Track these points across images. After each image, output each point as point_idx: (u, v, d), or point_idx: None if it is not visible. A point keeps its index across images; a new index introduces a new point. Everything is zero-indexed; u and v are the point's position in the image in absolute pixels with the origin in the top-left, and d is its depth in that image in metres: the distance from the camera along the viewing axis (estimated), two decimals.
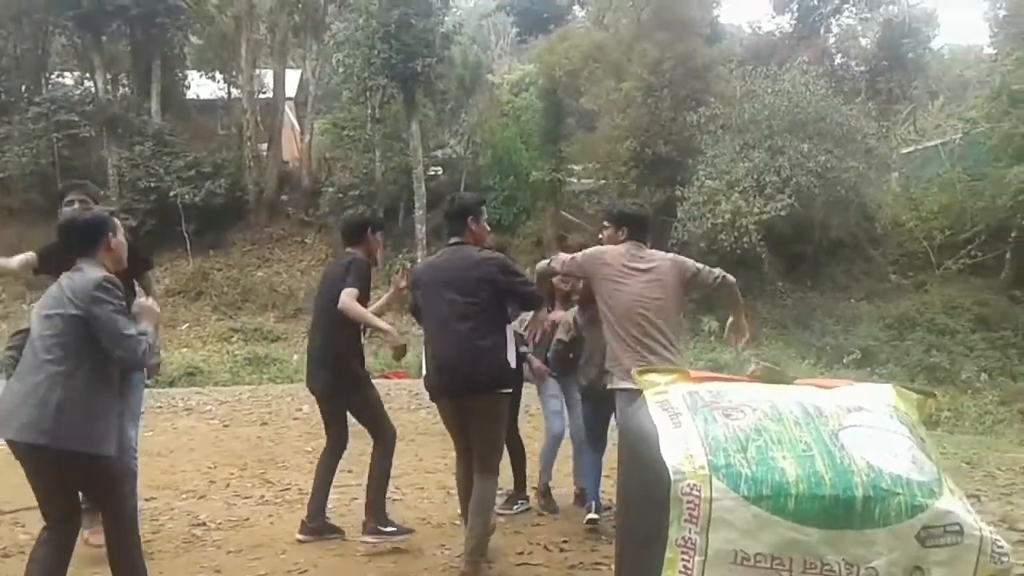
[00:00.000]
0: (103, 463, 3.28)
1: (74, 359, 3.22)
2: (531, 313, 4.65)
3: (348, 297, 4.56)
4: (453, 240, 4.43)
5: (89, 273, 3.36)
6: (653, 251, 4.63)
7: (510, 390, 4.42)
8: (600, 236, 4.84)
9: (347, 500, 5.74)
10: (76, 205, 4.50)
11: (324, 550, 4.80)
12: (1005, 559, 2.48)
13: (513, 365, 4.34)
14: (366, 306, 4.78)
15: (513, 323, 4.55)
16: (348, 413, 5.04)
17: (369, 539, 4.81)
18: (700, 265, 4.64)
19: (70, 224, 3.60)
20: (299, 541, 4.90)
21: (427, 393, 4.57)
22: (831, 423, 2.69)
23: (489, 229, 4.65)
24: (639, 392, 4.07)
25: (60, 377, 3.18)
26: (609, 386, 4.43)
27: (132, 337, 3.26)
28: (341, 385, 4.91)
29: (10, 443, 3.21)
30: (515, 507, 5.63)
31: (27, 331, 3.66)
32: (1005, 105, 20.58)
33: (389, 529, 4.85)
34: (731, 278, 4.66)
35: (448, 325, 4.22)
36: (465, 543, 4.26)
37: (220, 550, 4.82)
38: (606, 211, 4.86)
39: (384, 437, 4.95)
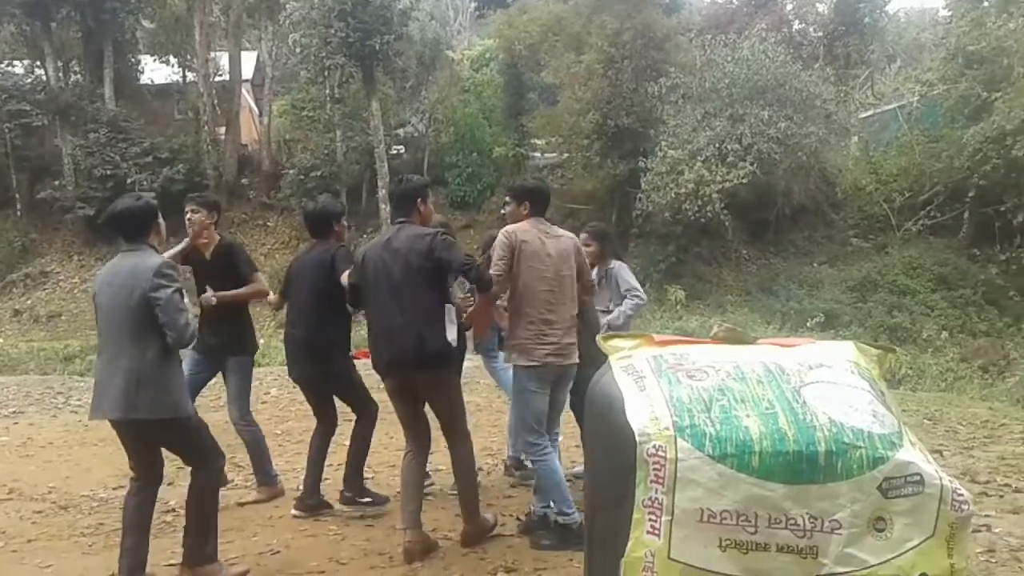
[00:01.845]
0: (181, 423, 3.75)
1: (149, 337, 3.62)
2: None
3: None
4: (399, 220, 4.43)
5: (149, 258, 3.69)
6: (552, 226, 4.59)
7: (456, 366, 4.50)
8: (502, 211, 4.83)
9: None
10: (191, 216, 5.22)
11: (295, 530, 4.79)
12: (965, 507, 2.53)
13: (454, 343, 4.34)
14: None
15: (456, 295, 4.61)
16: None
17: (345, 508, 4.94)
18: (585, 260, 4.72)
19: (121, 211, 3.79)
20: (293, 516, 4.97)
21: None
22: (793, 380, 2.71)
23: (433, 210, 4.71)
24: (534, 368, 4.27)
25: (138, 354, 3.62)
26: (511, 363, 4.47)
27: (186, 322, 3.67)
28: (331, 373, 4.97)
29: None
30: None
31: None
32: (960, 67, 20.81)
33: (365, 499, 4.99)
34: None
35: (390, 303, 4.24)
36: (461, 508, 4.44)
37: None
38: (507, 187, 4.88)
39: (368, 412, 5.07)
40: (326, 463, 5.22)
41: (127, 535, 3.85)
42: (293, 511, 5.02)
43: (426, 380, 4.30)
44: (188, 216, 5.24)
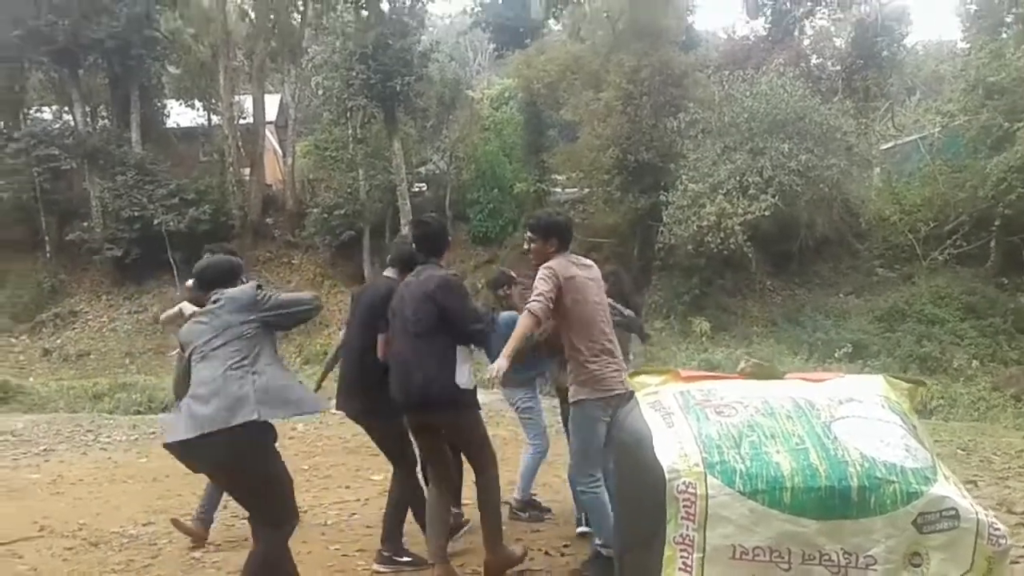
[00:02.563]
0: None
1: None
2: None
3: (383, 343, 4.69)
4: (424, 262, 4.54)
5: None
6: (580, 257, 4.63)
7: (469, 407, 4.45)
8: (526, 248, 4.72)
9: (346, 516, 5.73)
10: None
11: (324, 567, 4.80)
12: (1003, 541, 2.50)
13: (467, 385, 4.34)
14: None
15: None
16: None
17: (382, 569, 4.75)
18: None
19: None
20: (376, 572, 4.78)
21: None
22: (823, 415, 2.71)
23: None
24: (610, 398, 4.19)
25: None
26: (583, 397, 4.37)
27: None
28: (381, 406, 4.77)
29: None
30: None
31: None
32: (981, 97, 20.75)
33: (404, 559, 4.78)
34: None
35: (403, 343, 4.34)
36: (484, 540, 4.44)
37: (220, 571, 4.81)
38: (531, 223, 4.70)
39: (405, 463, 4.90)
40: (355, 499, 5.22)
41: None
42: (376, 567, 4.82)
43: (437, 420, 4.36)
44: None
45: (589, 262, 4.62)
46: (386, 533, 4.80)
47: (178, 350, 4.13)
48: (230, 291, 3.93)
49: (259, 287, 3.97)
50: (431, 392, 4.21)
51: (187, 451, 3.61)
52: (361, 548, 5.06)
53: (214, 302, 3.90)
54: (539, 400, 5.81)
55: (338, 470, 7.67)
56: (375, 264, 24.92)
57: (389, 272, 5.05)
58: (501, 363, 3.99)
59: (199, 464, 3.76)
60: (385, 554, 4.77)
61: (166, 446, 3.68)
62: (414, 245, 4.70)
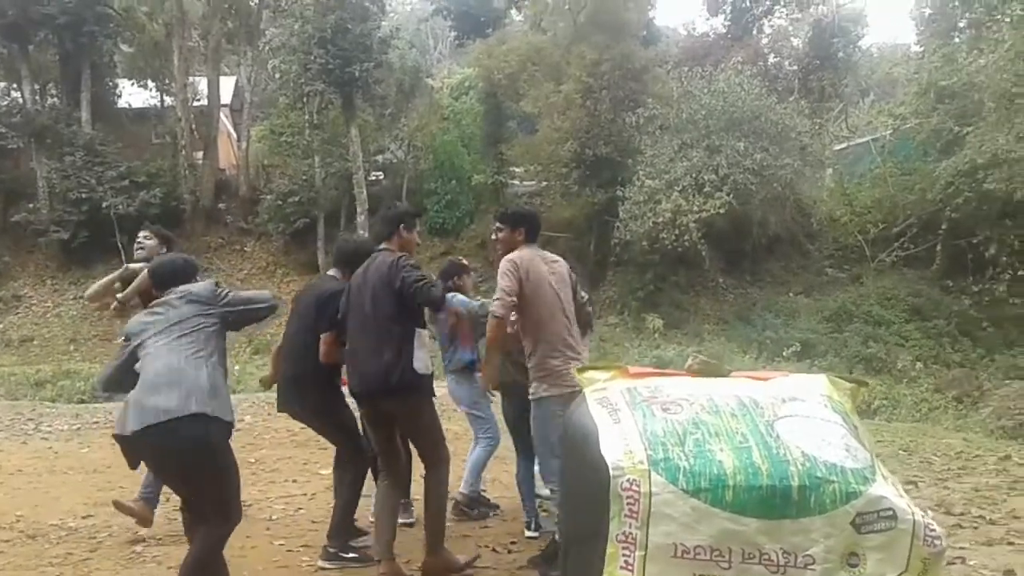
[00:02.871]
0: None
1: None
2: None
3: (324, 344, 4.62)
4: (378, 247, 4.45)
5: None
6: (547, 252, 4.61)
7: (426, 394, 4.38)
8: (493, 238, 4.76)
9: (292, 511, 5.65)
10: (141, 240, 5.33)
11: (268, 561, 4.72)
12: (938, 542, 2.53)
13: (426, 370, 4.29)
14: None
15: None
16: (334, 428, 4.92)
17: (327, 565, 4.67)
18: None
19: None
20: (321, 568, 4.69)
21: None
22: (767, 414, 2.72)
23: (419, 241, 4.69)
24: (568, 395, 4.08)
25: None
26: (543, 394, 4.34)
27: None
28: (328, 404, 4.81)
29: None
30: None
31: None
32: (933, 101, 21.16)
33: (350, 555, 4.72)
34: (591, 308, 4.85)
35: (360, 331, 4.26)
36: (425, 535, 4.35)
37: (161, 566, 4.71)
38: (500, 213, 4.74)
39: (361, 459, 4.84)
40: (302, 493, 5.16)
41: None
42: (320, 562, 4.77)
43: (395, 408, 4.27)
44: (140, 241, 5.26)
45: (556, 257, 4.60)
46: (332, 529, 4.73)
47: (121, 339, 4.02)
48: (189, 285, 3.90)
49: (217, 284, 3.97)
50: (391, 378, 4.13)
51: (139, 442, 3.53)
52: (306, 544, 4.98)
53: (170, 295, 3.84)
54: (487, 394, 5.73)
55: (285, 463, 7.57)
56: (329, 253, 24.68)
57: (333, 272, 4.99)
58: (485, 382, 4.13)
59: (150, 455, 3.68)
60: (331, 550, 4.70)
61: (118, 438, 3.60)
62: (371, 230, 4.63)
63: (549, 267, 4.44)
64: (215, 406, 3.56)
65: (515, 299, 4.29)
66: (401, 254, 4.35)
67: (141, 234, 5.38)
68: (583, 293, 4.71)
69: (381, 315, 4.19)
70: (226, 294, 3.89)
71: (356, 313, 4.30)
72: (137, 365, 3.70)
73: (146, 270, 4.58)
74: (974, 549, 4.85)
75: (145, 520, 5.15)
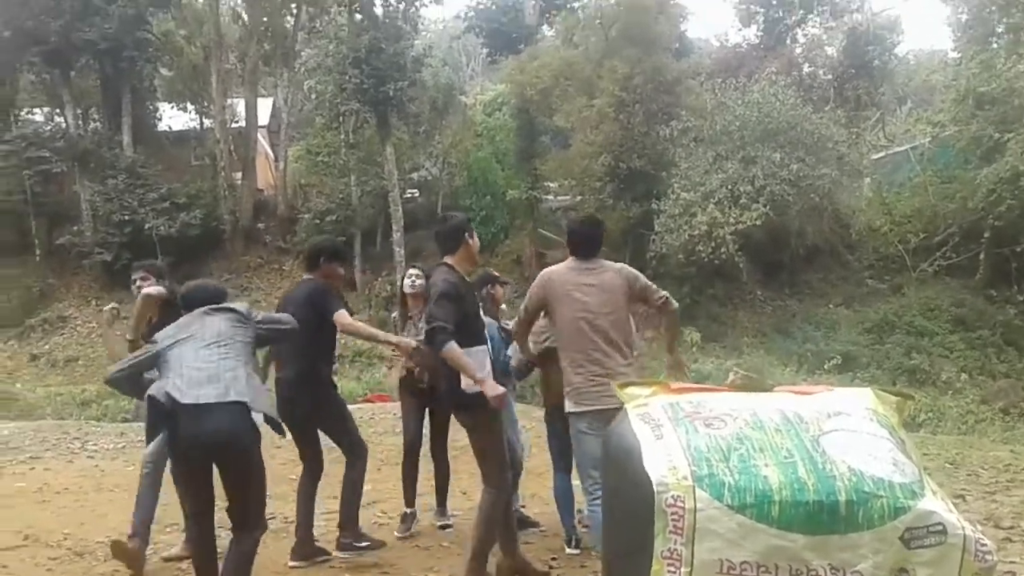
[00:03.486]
0: None
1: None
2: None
3: (344, 317, 4.78)
4: (443, 260, 4.52)
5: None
6: (602, 262, 4.50)
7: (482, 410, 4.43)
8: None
9: (334, 527, 5.67)
10: (139, 283, 5.24)
11: (279, 565, 4.77)
12: (989, 557, 2.49)
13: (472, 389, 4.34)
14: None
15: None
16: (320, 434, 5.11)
17: (343, 555, 4.92)
18: (647, 281, 4.57)
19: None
20: (291, 567, 4.90)
21: None
22: (811, 429, 2.69)
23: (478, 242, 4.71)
24: (593, 414, 4.16)
25: None
26: (569, 410, 4.37)
27: None
28: (322, 408, 4.99)
29: None
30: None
31: None
32: (971, 108, 20.87)
33: (363, 544, 4.97)
34: (675, 303, 4.56)
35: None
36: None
37: None
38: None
39: (359, 454, 5.06)
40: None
41: None
42: (290, 562, 4.95)
43: (462, 422, 4.48)
44: (137, 283, 5.30)
45: (607, 266, 4.47)
46: (343, 520, 4.95)
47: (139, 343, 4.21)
48: (225, 304, 4.11)
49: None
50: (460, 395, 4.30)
51: (197, 419, 3.61)
52: (346, 560, 5.02)
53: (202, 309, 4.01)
54: (511, 408, 5.66)
55: (325, 480, 7.56)
56: (366, 271, 24.88)
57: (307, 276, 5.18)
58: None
59: (201, 455, 3.73)
60: (344, 541, 4.93)
61: (171, 411, 3.65)
62: (437, 241, 4.67)
63: (585, 279, 4.37)
64: (254, 398, 3.75)
65: (527, 316, 4.44)
66: (437, 279, 4.35)
67: (136, 276, 5.38)
68: (657, 292, 4.50)
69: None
70: (257, 313, 4.14)
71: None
72: (150, 372, 3.88)
73: (149, 293, 4.99)
74: None
75: (137, 561, 4.88)
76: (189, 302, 4.15)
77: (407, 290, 5.53)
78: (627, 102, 22.31)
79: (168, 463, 4.42)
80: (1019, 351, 19.52)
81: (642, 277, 4.53)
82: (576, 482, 4.93)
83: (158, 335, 4.03)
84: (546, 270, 4.49)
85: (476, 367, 4.21)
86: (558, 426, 4.95)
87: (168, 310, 4.85)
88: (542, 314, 4.57)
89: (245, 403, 3.68)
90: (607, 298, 4.34)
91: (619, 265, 4.55)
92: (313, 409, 4.96)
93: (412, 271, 5.68)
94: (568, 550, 5.12)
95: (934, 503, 2.52)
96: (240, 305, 4.14)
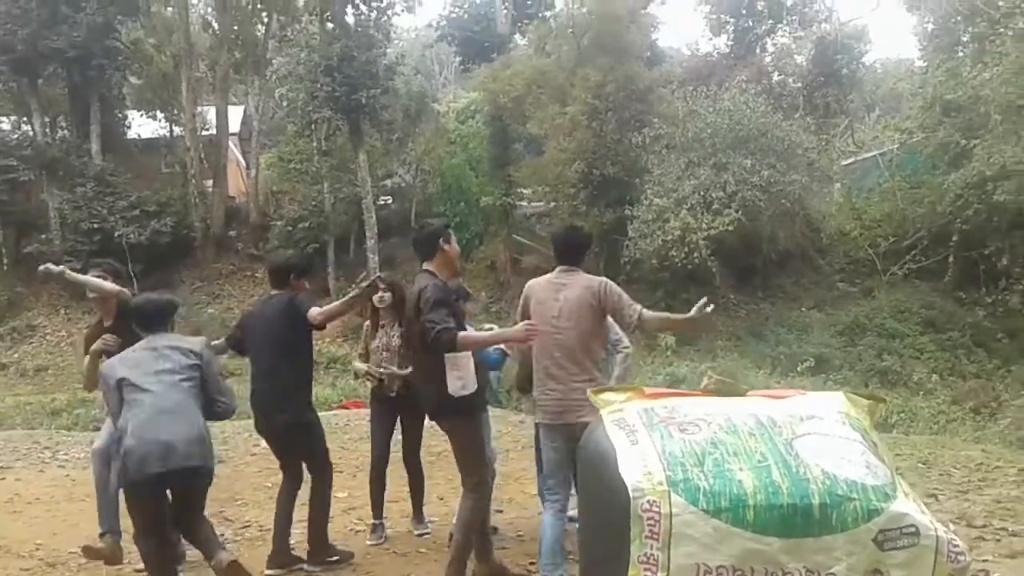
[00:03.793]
0: None
1: None
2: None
3: (315, 311, 4.76)
4: (423, 268, 4.54)
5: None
6: (577, 274, 4.42)
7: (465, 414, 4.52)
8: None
9: (298, 535, 5.64)
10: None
11: None
12: (962, 558, 2.52)
13: (462, 391, 4.33)
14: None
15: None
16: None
17: (313, 568, 4.97)
18: (622, 298, 4.31)
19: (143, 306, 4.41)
20: (267, 575, 4.92)
21: None
22: (785, 433, 2.72)
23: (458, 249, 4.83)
24: (548, 428, 4.27)
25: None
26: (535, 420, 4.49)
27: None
28: (302, 421, 4.99)
29: None
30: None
31: None
32: (938, 115, 21.16)
33: (334, 558, 5.04)
34: (648, 315, 4.33)
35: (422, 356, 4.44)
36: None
37: None
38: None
39: (326, 474, 5.11)
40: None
41: None
42: (266, 570, 4.96)
43: (443, 427, 4.57)
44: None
45: (573, 279, 4.36)
46: (312, 539, 5.03)
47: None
48: (182, 340, 4.29)
49: (208, 345, 4.41)
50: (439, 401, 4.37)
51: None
52: (304, 568, 5.02)
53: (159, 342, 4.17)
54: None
55: (302, 489, 7.56)
56: (340, 278, 24.77)
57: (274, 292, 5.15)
58: None
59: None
60: (316, 556, 5.01)
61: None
62: (415, 248, 4.68)
63: (558, 292, 4.33)
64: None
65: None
66: (425, 286, 4.34)
67: (94, 275, 5.40)
68: (631, 310, 4.28)
69: (417, 343, 4.39)
70: (210, 362, 4.23)
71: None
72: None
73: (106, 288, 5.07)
74: (997, 561, 4.81)
75: (116, 559, 4.97)
76: (142, 320, 4.28)
77: (377, 304, 5.47)
78: (600, 110, 22.40)
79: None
80: (988, 352, 19.78)
81: (615, 294, 4.31)
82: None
83: (115, 364, 4.17)
84: (532, 280, 4.55)
85: (463, 367, 4.26)
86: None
87: (123, 316, 4.90)
88: None
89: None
90: (573, 312, 4.25)
91: (597, 280, 4.38)
92: (290, 426, 4.96)
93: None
94: None
95: (907, 505, 2.54)
96: (199, 343, 4.30)
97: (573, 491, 5.14)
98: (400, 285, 5.45)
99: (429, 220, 5.10)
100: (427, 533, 5.65)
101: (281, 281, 5.07)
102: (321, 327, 4.84)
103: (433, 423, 4.69)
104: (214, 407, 4.17)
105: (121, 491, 4.22)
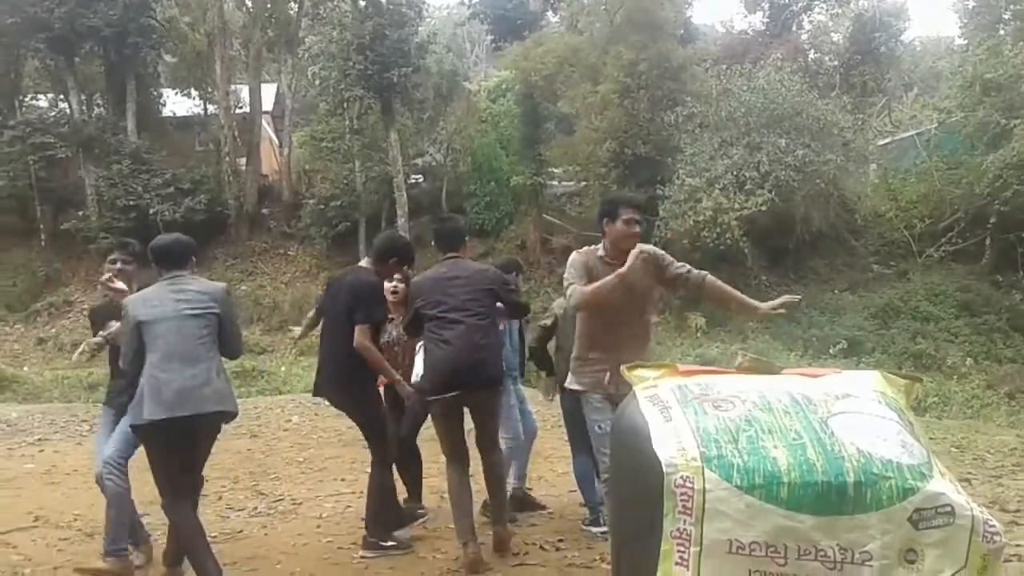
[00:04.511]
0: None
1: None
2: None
3: (362, 335, 4.70)
4: (451, 255, 4.77)
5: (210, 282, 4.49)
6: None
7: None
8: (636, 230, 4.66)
9: (341, 508, 5.73)
10: (119, 264, 4.84)
11: (319, 559, 4.80)
12: (998, 538, 2.50)
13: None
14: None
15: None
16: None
17: (367, 553, 4.81)
18: (672, 260, 4.46)
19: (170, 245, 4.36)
20: (363, 557, 4.83)
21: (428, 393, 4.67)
22: (820, 411, 2.70)
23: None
24: (594, 394, 4.23)
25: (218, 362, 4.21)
26: (566, 385, 4.52)
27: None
28: (354, 403, 4.97)
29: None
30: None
31: None
32: (978, 94, 20.77)
33: (389, 543, 4.84)
34: (702, 275, 4.45)
35: (462, 327, 4.50)
36: (492, 513, 4.84)
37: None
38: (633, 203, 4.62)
39: (385, 453, 4.98)
40: (351, 491, 5.24)
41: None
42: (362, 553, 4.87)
43: (484, 399, 4.63)
44: (119, 267, 4.84)
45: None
46: (369, 518, 4.89)
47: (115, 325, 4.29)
48: (201, 281, 4.37)
49: (228, 291, 4.42)
50: (491, 372, 4.57)
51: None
52: (356, 541, 5.05)
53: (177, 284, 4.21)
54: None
55: (333, 462, 7.66)
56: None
57: (365, 263, 5.12)
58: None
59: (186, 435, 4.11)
60: (371, 540, 4.84)
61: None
62: (437, 239, 4.92)
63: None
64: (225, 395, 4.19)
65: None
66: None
67: (118, 257, 4.87)
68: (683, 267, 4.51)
69: (484, 311, 4.59)
70: (228, 305, 4.33)
71: (455, 304, 4.53)
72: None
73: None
74: None
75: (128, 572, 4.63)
76: (160, 259, 4.30)
77: (389, 299, 5.29)
78: (632, 88, 22.23)
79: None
80: None
81: (665, 256, 4.43)
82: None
83: (141, 301, 4.20)
84: (583, 250, 4.46)
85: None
86: (567, 406, 5.06)
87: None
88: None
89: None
90: (632, 287, 4.23)
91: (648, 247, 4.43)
92: (346, 403, 5.00)
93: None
94: (594, 530, 5.08)
95: (942, 485, 2.53)
96: (219, 288, 4.35)
97: None
98: (411, 278, 5.32)
99: (451, 215, 5.35)
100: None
101: (381, 260, 5.00)
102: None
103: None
104: (225, 349, 4.28)
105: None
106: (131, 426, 4.13)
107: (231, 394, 4.29)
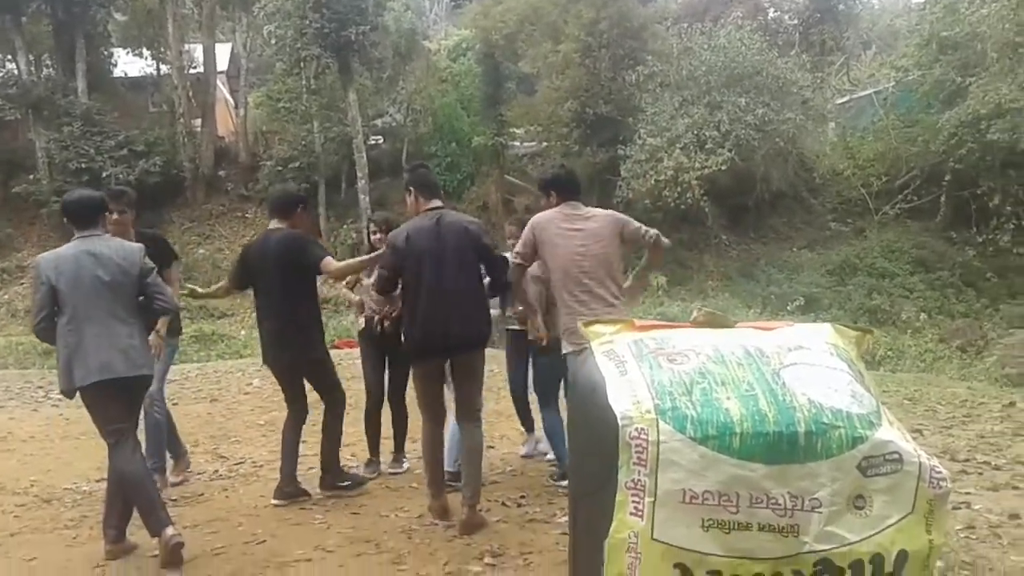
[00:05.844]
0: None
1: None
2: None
3: (331, 264, 4.85)
4: (436, 206, 4.64)
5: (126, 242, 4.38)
6: (591, 209, 4.72)
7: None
8: (542, 204, 4.93)
9: (303, 470, 5.71)
10: (115, 215, 4.89)
11: (280, 520, 4.80)
12: (944, 484, 2.56)
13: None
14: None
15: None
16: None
17: (327, 492, 5.14)
18: (637, 223, 4.73)
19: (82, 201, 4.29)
20: (274, 505, 5.04)
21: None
22: (772, 362, 2.73)
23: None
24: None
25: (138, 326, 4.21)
26: (563, 351, 4.55)
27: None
28: (310, 355, 5.06)
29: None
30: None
31: None
32: (935, 53, 20.96)
33: (344, 483, 5.20)
34: (665, 240, 4.78)
35: (442, 287, 4.42)
36: (463, 490, 4.52)
37: (176, 526, 4.76)
38: (536, 182, 5.07)
39: (338, 401, 5.19)
40: (313, 454, 5.27)
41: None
42: (273, 500, 5.09)
43: (474, 359, 4.60)
44: (115, 217, 4.92)
45: (594, 213, 4.69)
46: (324, 462, 5.18)
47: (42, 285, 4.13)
48: (116, 243, 4.25)
49: (145, 255, 4.27)
50: (478, 334, 4.56)
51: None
52: (317, 502, 5.07)
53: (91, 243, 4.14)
54: None
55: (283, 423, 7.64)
56: (331, 218, 24.67)
57: (274, 224, 5.07)
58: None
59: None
60: (328, 480, 5.17)
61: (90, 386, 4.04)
62: (424, 190, 4.70)
63: (580, 223, 4.59)
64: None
65: (524, 260, 4.61)
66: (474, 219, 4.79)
67: (113, 207, 4.82)
68: (650, 233, 4.70)
69: (467, 271, 4.54)
70: (149, 270, 4.24)
71: (435, 267, 4.42)
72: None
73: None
74: (979, 494, 4.92)
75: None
76: (73, 215, 4.24)
77: (375, 244, 5.46)
78: (593, 47, 22.13)
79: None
80: (977, 291, 19.95)
81: (628, 219, 4.72)
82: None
83: (45, 265, 4.15)
84: (538, 216, 4.68)
85: None
86: (540, 362, 5.27)
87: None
88: None
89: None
90: (595, 242, 4.54)
91: (609, 212, 4.81)
92: (297, 357, 5.03)
93: (372, 225, 5.75)
94: (563, 484, 5.04)
95: (890, 433, 2.58)
96: (135, 249, 4.26)
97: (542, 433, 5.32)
98: (394, 223, 5.39)
99: (421, 163, 5.33)
100: (400, 472, 5.76)
101: (288, 212, 5.05)
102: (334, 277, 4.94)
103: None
104: (153, 305, 4.27)
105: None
106: (63, 392, 4.22)
107: (149, 359, 4.34)
